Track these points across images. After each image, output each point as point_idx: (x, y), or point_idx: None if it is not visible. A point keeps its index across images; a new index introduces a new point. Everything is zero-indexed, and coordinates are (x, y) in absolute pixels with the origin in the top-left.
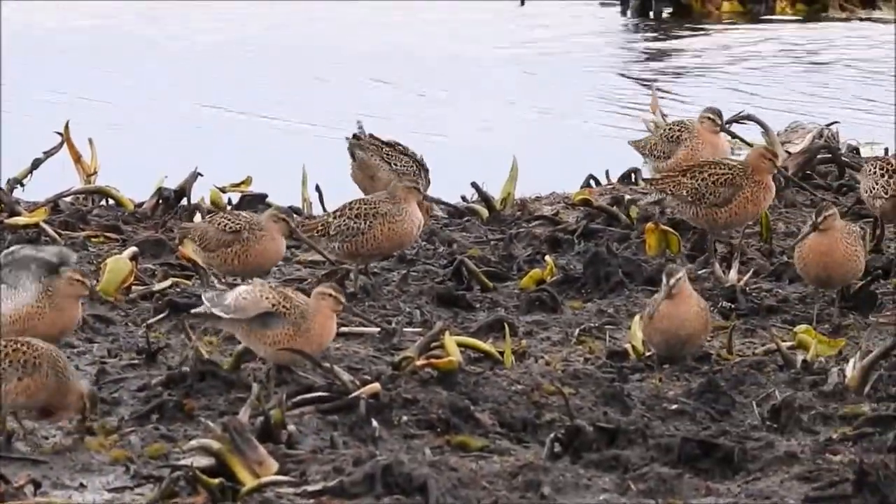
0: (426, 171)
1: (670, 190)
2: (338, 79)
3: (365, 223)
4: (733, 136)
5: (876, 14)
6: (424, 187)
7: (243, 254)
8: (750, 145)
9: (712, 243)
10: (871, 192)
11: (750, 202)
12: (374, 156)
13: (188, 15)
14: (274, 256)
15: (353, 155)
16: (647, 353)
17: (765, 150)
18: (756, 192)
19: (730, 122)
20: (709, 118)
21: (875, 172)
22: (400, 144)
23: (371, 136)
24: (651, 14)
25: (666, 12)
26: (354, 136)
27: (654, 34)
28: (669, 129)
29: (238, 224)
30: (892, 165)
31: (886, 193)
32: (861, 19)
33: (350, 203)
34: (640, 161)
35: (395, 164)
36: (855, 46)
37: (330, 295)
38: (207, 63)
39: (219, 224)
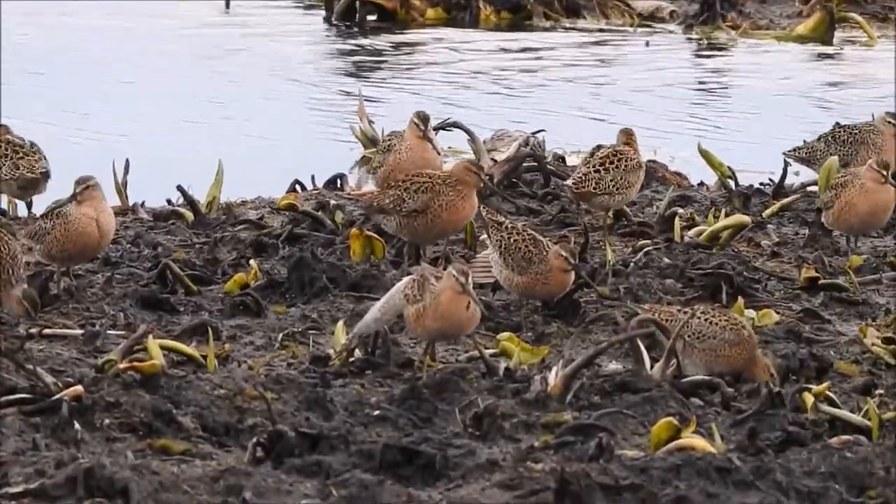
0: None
1: (374, 205)
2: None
3: (50, 224)
4: (431, 142)
5: (580, 23)
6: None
7: None
8: (458, 153)
9: (412, 250)
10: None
11: (445, 210)
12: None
13: None
14: None
15: None
16: (351, 359)
17: (470, 163)
18: (454, 201)
19: (436, 129)
20: (414, 122)
21: None
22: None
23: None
24: (356, 19)
25: (370, 18)
26: None
27: (359, 40)
28: (384, 141)
29: None
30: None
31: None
32: (566, 28)
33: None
34: (346, 167)
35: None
36: (561, 54)
37: None
38: None
39: None
